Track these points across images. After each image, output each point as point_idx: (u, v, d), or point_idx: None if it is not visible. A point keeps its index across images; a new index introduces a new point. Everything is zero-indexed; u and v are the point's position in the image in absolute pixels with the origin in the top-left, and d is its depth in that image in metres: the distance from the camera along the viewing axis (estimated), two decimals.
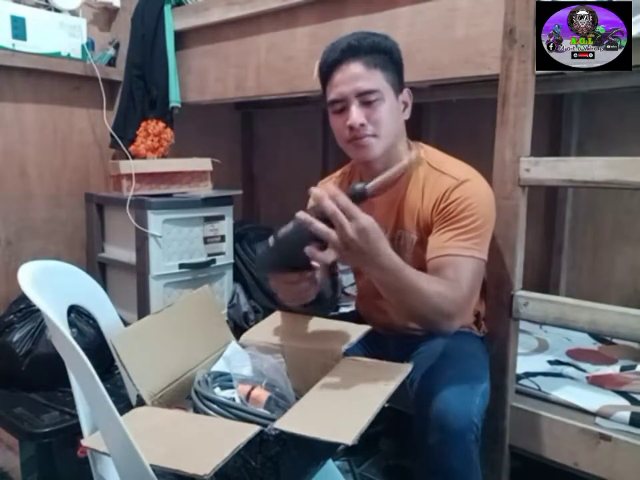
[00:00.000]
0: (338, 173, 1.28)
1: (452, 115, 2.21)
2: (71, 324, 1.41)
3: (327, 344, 1.03)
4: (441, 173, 1.08)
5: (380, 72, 1.03)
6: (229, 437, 0.73)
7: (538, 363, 1.43)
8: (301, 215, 0.82)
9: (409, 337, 1.17)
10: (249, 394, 0.90)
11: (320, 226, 0.80)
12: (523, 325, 1.43)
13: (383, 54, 1.04)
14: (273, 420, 0.79)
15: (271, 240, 0.89)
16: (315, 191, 0.81)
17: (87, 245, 1.96)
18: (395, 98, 1.06)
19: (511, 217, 1.14)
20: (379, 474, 1.47)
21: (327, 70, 1.06)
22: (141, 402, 0.90)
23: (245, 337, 1.12)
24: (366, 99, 1.02)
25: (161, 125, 1.82)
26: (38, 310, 1.40)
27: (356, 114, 1.02)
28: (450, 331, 0.98)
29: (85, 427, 0.88)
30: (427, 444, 0.93)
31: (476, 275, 1.01)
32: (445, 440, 0.90)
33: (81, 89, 1.96)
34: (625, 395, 1.23)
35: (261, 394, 0.90)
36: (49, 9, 1.86)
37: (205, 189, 1.86)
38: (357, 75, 1.02)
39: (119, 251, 1.84)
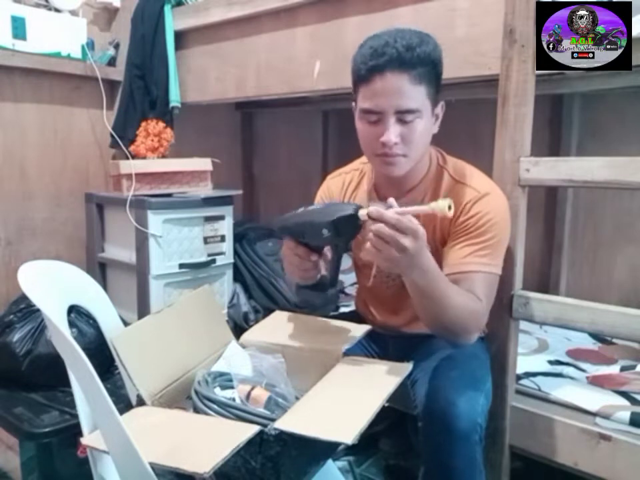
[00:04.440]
0: (347, 168, 1.24)
1: (452, 114, 2.20)
2: (71, 324, 1.40)
3: (327, 344, 1.03)
4: (462, 184, 1.05)
5: (424, 87, 0.96)
6: (228, 437, 0.73)
7: (538, 362, 1.43)
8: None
9: (409, 337, 1.17)
10: (249, 394, 0.90)
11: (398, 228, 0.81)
12: (523, 325, 1.43)
13: (430, 66, 0.95)
14: (273, 420, 0.79)
15: (300, 209, 0.96)
16: (374, 207, 0.84)
17: (87, 245, 1.96)
18: (431, 114, 1.00)
19: (511, 217, 1.13)
20: (379, 474, 1.47)
21: (366, 73, 0.96)
22: (140, 402, 0.90)
23: (244, 337, 1.12)
24: (404, 117, 0.96)
25: (161, 124, 1.82)
26: (38, 310, 1.40)
27: (392, 133, 0.96)
28: (467, 343, 0.99)
29: (85, 427, 0.88)
30: (430, 444, 0.94)
31: (492, 289, 1.02)
32: (450, 440, 0.90)
33: (81, 88, 1.96)
34: (625, 394, 1.23)
35: (261, 394, 0.90)
36: (49, 9, 1.86)
37: (205, 189, 1.86)
38: (400, 90, 0.94)
39: (119, 251, 1.84)
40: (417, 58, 0.93)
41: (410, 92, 0.94)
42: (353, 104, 1.04)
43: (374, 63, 0.94)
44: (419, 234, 0.83)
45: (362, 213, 0.86)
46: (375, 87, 0.96)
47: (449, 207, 0.80)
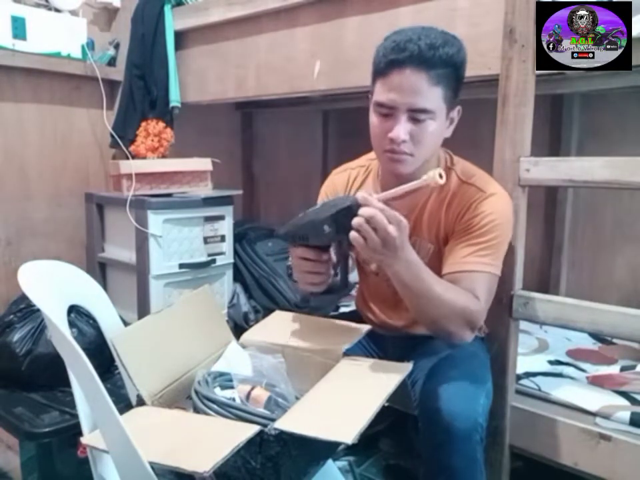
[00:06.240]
0: (354, 164, 1.23)
1: None
2: (71, 324, 1.40)
3: (327, 344, 1.03)
4: (469, 185, 1.05)
5: (441, 89, 0.95)
6: (228, 437, 0.73)
7: (538, 362, 1.43)
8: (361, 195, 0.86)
9: (409, 337, 1.17)
10: (249, 394, 0.90)
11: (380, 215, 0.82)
12: (523, 325, 1.43)
13: (451, 68, 0.95)
14: (273, 420, 0.79)
15: (300, 214, 0.96)
16: (361, 193, 0.85)
17: (86, 245, 1.96)
18: (445, 117, 0.99)
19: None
20: (379, 474, 1.47)
21: (385, 67, 0.95)
22: (140, 402, 0.90)
23: (244, 337, 1.12)
24: (416, 116, 0.95)
25: (161, 124, 1.82)
26: (38, 310, 1.40)
27: (402, 130, 0.95)
28: (461, 342, 0.99)
29: (85, 427, 0.88)
30: (431, 444, 0.93)
31: (491, 290, 1.02)
32: (451, 440, 0.90)
33: (81, 88, 1.96)
34: (625, 394, 1.23)
35: (261, 394, 0.90)
36: (49, 9, 1.85)
37: (205, 189, 1.86)
38: (416, 89, 0.93)
39: (119, 251, 1.84)
40: (439, 58, 0.92)
41: (426, 92, 0.94)
42: (369, 96, 1.03)
43: (394, 57, 0.93)
44: (402, 225, 0.84)
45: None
46: (391, 82, 0.95)
47: (440, 175, 0.82)
